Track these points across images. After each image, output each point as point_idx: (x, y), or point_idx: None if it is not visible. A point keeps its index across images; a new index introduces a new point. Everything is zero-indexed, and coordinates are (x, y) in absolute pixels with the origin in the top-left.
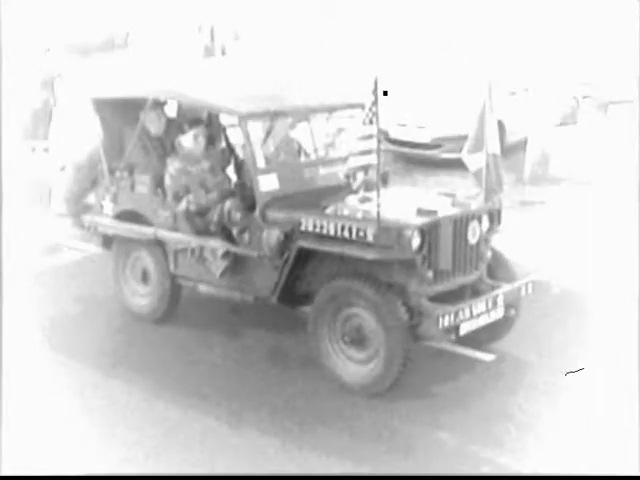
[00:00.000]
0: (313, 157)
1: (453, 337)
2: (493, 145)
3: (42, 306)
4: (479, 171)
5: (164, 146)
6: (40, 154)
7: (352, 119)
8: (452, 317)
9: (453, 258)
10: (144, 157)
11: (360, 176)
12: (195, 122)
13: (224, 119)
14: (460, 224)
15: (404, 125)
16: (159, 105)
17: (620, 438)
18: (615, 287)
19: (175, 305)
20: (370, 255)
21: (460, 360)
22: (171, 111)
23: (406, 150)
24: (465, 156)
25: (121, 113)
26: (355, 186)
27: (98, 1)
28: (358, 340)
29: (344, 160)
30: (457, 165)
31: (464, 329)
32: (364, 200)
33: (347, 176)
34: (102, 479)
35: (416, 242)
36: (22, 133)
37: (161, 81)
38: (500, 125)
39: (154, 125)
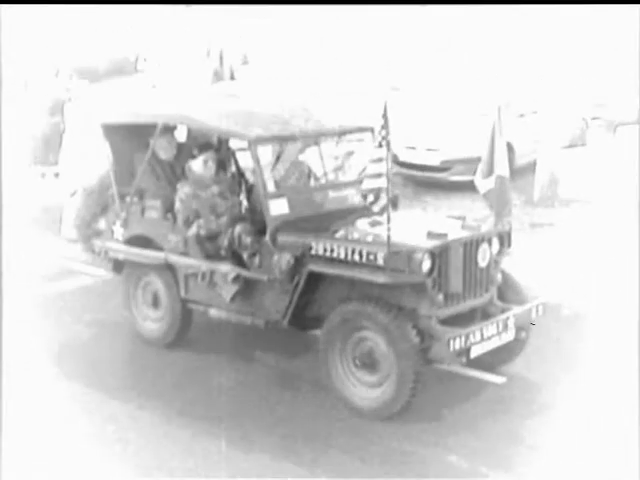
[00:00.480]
0: (323, 181)
1: (464, 360)
2: (502, 167)
3: (52, 331)
4: (489, 193)
5: (174, 171)
6: (50, 180)
7: (361, 142)
8: (463, 340)
9: (463, 281)
10: (154, 182)
11: (382, 199)
12: (205, 147)
13: (234, 143)
14: (470, 247)
15: (413, 148)
16: (169, 130)
17: (630, 462)
18: (622, 308)
19: (186, 330)
20: (381, 278)
21: (471, 383)
22: (181, 136)
23: (415, 173)
24: (478, 180)
25: (131, 138)
26: (377, 208)
27: (107, 26)
28: (369, 363)
29: (354, 183)
30: (467, 188)
31: (475, 352)
32: (374, 224)
33: (364, 197)
34: None
35: (426, 265)
36: (32, 159)
37: (171, 106)
38: (509, 147)
39: (164, 150)
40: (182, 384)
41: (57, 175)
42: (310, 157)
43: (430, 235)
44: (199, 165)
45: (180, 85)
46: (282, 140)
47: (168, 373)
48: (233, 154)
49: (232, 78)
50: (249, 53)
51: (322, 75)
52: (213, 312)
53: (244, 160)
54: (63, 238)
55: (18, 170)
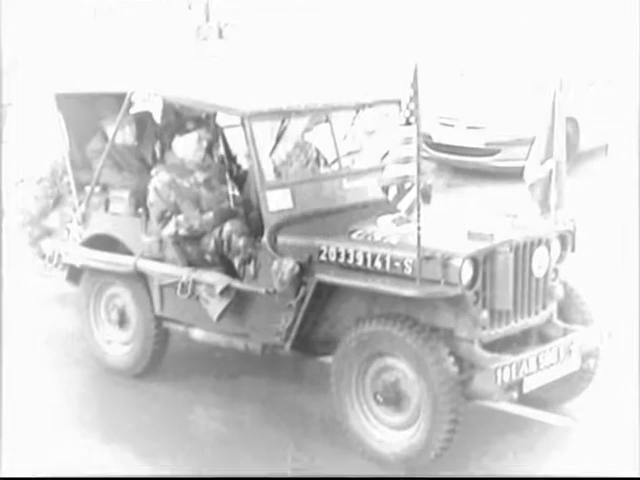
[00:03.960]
0: (335, 167)
1: (515, 395)
2: (560, 149)
3: None
4: (538, 183)
5: (141, 156)
6: None
7: (384, 119)
8: (514, 370)
9: (514, 295)
10: (117, 174)
11: (411, 190)
12: (195, 122)
13: (222, 119)
14: (523, 252)
15: (451, 125)
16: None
17: None
18: None
19: (161, 356)
20: (409, 292)
21: (524, 425)
22: (155, 110)
23: (453, 157)
24: (531, 166)
25: (92, 113)
26: (404, 202)
27: None
28: (394, 399)
29: (375, 171)
30: (518, 176)
31: (529, 385)
32: (401, 222)
33: (388, 188)
34: None
35: (467, 275)
36: None
37: (142, 72)
38: (573, 124)
39: (125, 136)
40: (156, 425)
41: None
42: (320, 137)
43: (471, 236)
44: (185, 146)
45: (154, 45)
46: (284, 115)
47: (137, 411)
48: (221, 133)
49: (220, 37)
50: (242, 6)
51: (335, 33)
52: (196, 334)
53: (235, 141)
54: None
55: None
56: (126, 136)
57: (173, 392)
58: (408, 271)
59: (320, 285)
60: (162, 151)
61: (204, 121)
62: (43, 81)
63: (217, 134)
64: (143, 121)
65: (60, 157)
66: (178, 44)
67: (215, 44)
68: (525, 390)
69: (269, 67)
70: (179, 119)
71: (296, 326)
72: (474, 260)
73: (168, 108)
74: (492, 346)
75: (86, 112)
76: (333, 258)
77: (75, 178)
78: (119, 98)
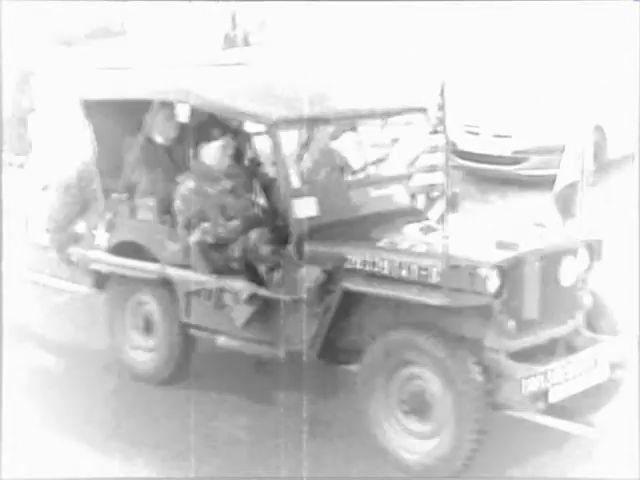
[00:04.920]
0: (361, 175)
1: (541, 405)
2: (586, 160)
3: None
4: (565, 191)
5: (173, 159)
6: (15, 171)
7: (409, 127)
8: (540, 380)
9: (541, 304)
10: (148, 174)
11: (438, 199)
12: (220, 129)
13: (248, 127)
14: (550, 261)
15: (476, 133)
16: (168, 106)
17: None
18: None
19: (186, 362)
20: (435, 300)
21: (550, 435)
22: (183, 115)
23: (479, 166)
24: (566, 174)
25: (119, 119)
26: (431, 210)
27: None
28: (419, 408)
29: (401, 179)
30: (546, 185)
31: (555, 395)
32: (427, 230)
33: (414, 197)
34: None
35: (494, 284)
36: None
37: (170, 78)
38: (599, 132)
39: (162, 131)
40: (180, 432)
41: (22, 166)
42: (346, 145)
43: (499, 245)
44: (213, 153)
45: (181, 52)
46: (310, 123)
47: (162, 418)
48: (249, 140)
49: (246, 44)
50: (267, 13)
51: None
52: (221, 340)
53: (260, 148)
54: (30, 244)
55: None
56: (166, 135)
57: (198, 398)
58: (435, 280)
59: (346, 293)
60: (193, 156)
61: (231, 128)
62: (69, 86)
63: (245, 141)
64: (183, 123)
65: (86, 163)
66: (204, 51)
67: (241, 51)
68: (551, 400)
69: (296, 74)
70: (206, 126)
71: (322, 334)
72: (501, 269)
73: (195, 114)
74: (518, 356)
75: (114, 118)
76: (359, 266)
77: (102, 184)
78: (146, 104)
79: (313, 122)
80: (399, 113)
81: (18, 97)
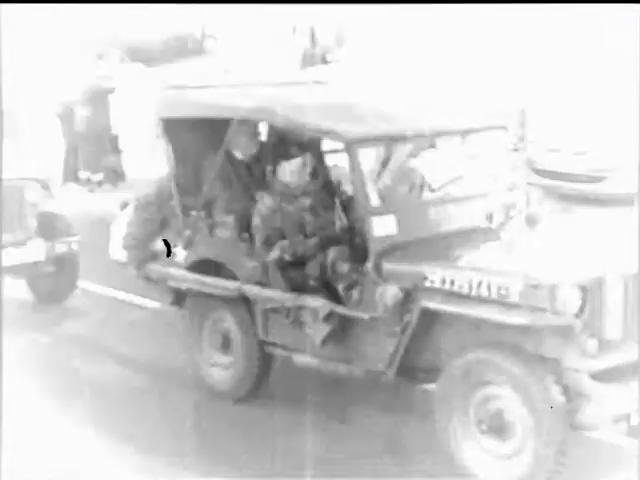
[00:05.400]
0: (440, 193)
1: (624, 427)
2: None
3: (87, 377)
4: None
5: (252, 176)
6: (94, 187)
7: (488, 144)
8: (623, 401)
9: (624, 324)
10: (227, 190)
11: (518, 217)
12: (299, 147)
13: (326, 145)
14: (634, 280)
15: (556, 150)
16: (249, 123)
17: None
18: None
19: (264, 380)
20: (515, 319)
21: (631, 457)
22: (262, 134)
23: (560, 184)
24: None
25: (198, 137)
26: (510, 229)
27: None
28: (498, 428)
29: (480, 197)
30: (628, 203)
31: (638, 417)
32: (507, 249)
33: (492, 215)
34: None
35: (575, 303)
36: (82, 164)
37: (249, 97)
38: None
39: (242, 148)
40: (257, 449)
41: (100, 184)
42: (425, 163)
43: (579, 264)
44: (291, 170)
45: (260, 70)
46: (389, 141)
47: (240, 435)
48: (323, 158)
49: (324, 62)
50: (346, 31)
51: (442, 61)
52: (299, 358)
53: (340, 166)
54: (110, 260)
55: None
56: (247, 151)
57: (275, 416)
58: (514, 298)
59: (425, 312)
60: (272, 172)
61: (309, 146)
62: (148, 106)
63: (322, 159)
64: (263, 141)
65: (165, 180)
66: (284, 69)
67: (320, 69)
68: (634, 422)
69: (374, 92)
70: (283, 144)
71: (400, 353)
72: (582, 288)
73: (273, 132)
74: (599, 376)
75: (193, 135)
76: (438, 285)
77: (181, 202)
78: (226, 122)
79: (392, 140)
80: (479, 131)
81: (85, 113)
